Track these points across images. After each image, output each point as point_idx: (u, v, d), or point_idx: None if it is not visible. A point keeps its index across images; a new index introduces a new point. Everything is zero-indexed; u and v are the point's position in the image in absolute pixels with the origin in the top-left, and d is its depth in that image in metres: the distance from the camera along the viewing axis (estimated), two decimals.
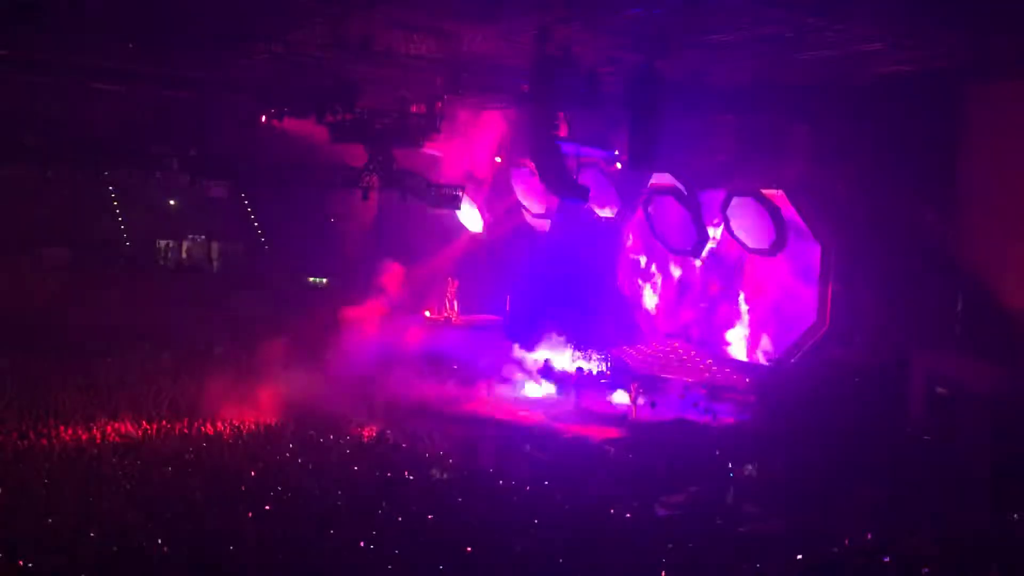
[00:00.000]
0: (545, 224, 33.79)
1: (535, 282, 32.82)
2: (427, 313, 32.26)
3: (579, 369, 30.99)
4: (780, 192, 28.32)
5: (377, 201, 32.83)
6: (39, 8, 19.56)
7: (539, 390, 29.43)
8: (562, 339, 32.44)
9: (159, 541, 15.18)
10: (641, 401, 27.29)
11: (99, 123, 28.31)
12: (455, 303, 32.56)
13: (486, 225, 33.68)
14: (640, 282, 34.02)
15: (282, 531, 16.13)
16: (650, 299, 33.73)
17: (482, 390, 29.23)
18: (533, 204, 33.28)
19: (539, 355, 31.74)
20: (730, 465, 23.38)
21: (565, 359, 31.74)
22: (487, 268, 33.93)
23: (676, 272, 33.08)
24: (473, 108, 30.30)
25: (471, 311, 33.40)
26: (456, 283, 32.54)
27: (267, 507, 17.48)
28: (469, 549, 15.53)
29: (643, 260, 33.94)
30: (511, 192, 33.51)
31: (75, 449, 20.79)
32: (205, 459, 20.52)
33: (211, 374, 28.27)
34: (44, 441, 21.05)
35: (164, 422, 23.20)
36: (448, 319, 32.08)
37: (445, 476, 20.79)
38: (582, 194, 25.56)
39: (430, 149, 30.03)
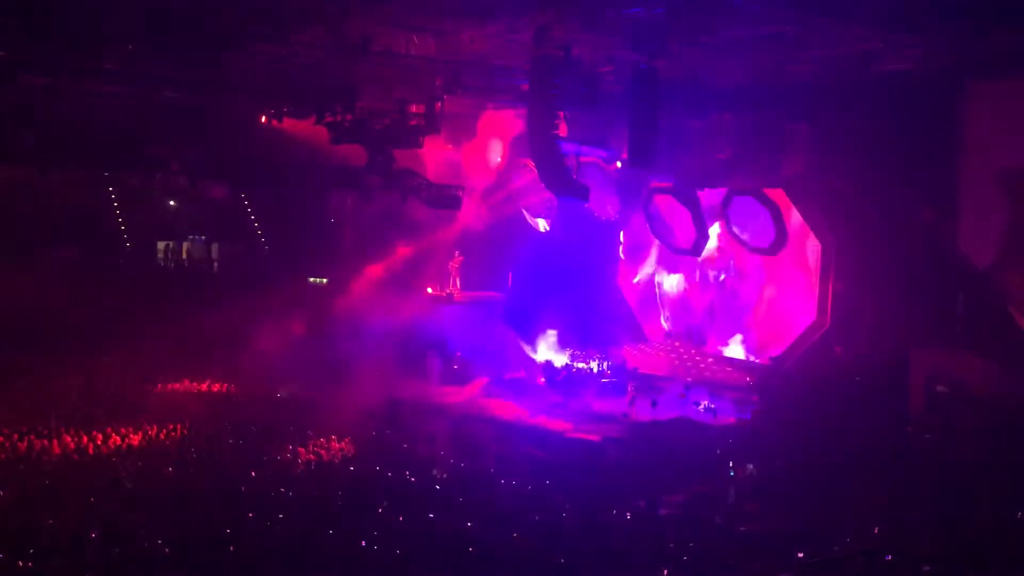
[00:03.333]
0: (545, 223, 33.75)
1: (535, 282, 32.74)
2: (429, 290, 32.09)
3: (568, 367, 30.93)
4: (780, 191, 28.34)
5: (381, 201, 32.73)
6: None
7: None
8: (562, 338, 32.41)
9: (160, 541, 15.18)
10: (640, 400, 27.28)
11: (99, 124, 28.25)
12: (457, 279, 32.36)
13: (482, 215, 33.48)
14: (640, 281, 34.02)
15: (283, 530, 16.15)
16: (649, 298, 33.73)
17: (482, 387, 29.25)
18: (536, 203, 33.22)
19: (540, 355, 31.74)
20: (731, 464, 23.38)
21: (564, 358, 31.72)
22: (488, 247, 33.73)
23: (676, 271, 33.09)
24: (473, 108, 30.25)
25: (473, 287, 33.16)
26: (460, 259, 32.37)
27: (268, 506, 17.49)
28: (470, 548, 15.55)
29: (643, 259, 33.94)
30: (510, 182, 33.30)
31: (76, 450, 20.80)
32: (206, 460, 20.52)
33: (212, 374, 28.42)
34: (45, 442, 21.05)
35: (169, 424, 23.15)
36: (450, 295, 31.91)
37: (445, 476, 20.81)
38: (582, 194, 25.57)
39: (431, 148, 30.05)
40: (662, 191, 30.75)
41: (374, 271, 31.68)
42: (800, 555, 15.98)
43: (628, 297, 34.18)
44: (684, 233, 30.70)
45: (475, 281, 33.35)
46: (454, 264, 32.30)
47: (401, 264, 31.82)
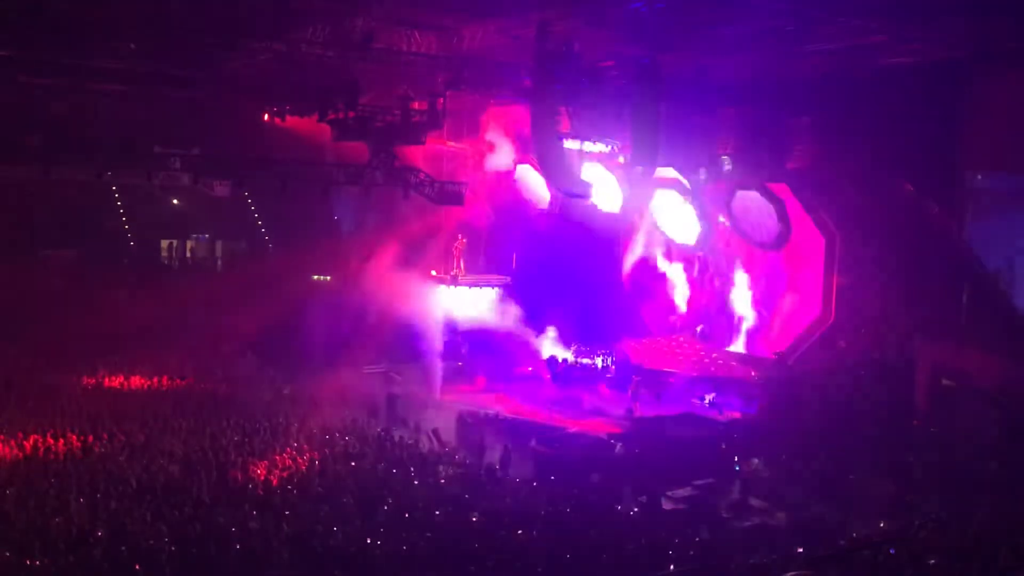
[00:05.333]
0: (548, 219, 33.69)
1: (538, 276, 32.69)
2: (433, 272, 32.06)
3: (573, 362, 30.78)
4: (784, 185, 28.28)
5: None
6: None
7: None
8: (566, 333, 32.35)
9: (166, 540, 15.19)
10: (645, 395, 27.27)
11: (102, 124, 28.32)
12: (461, 262, 32.28)
13: (485, 210, 33.44)
14: (644, 276, 33.96)
15: (288, 528, 16.15)
16: (654, 293, 33.68)
17: (486, 383, 29.27)
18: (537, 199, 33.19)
19: (545, 350, 31.71)
20: (736, 459, 23.39)
21: (568, 354, 31.69)
22: (491, 236, 33.64)
23: (680, 266, 33.03)
24: (475, 104, 30.23)
25: (477, 270, 33.06)
26: (464, 241, 32.32)
27: (273, 505, 17.49)
28: (476, 545, 15.56)
29: (647, 254, 33.88)
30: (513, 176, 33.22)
31: (81, 448, 20.81)
32: (211, 458, 20.51)
33: (215, 373, 28.42)
34: (50, 440, 21.07)
35: (174, 423, 23.14)
36: (454, 277, 31.85)
37: (451, 471, 20.82)
38: (585, 189, 25.56)
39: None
40: (665, 186, 30.71)
41: (377, 267, 31.59)
42: (805, 549, 15.99)
43: (632, 292, 34.14)
44: (688, 228, 30.68)
45: (479, 264, 33.23)
46: (458, 247, 32.22)
47: (404, 257, 31.65)
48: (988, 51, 21.64)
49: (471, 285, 31.15)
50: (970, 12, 19.19)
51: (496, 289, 31.61)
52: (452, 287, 30.66)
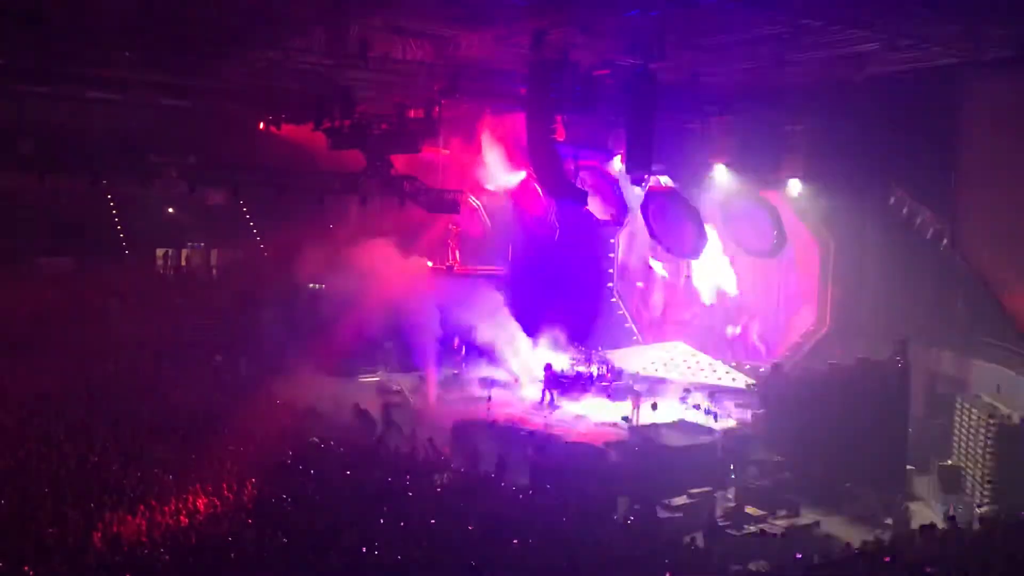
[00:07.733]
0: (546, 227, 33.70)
1: (534, 284, 32.69)
2: (428, 263, 31.96)
3: (569, 370, 30.70)
4: (778, 193, 28.36)
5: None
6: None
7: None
8: (561, 341, 32.34)
9: (161, 549, 15.14)
10: (641, 403, 27.25)
11: (97, 132, 28.29)
12: (456, 251, 32.12)
13: (482, 219, 33.40)
14: (640, 284, 34.01)
15: (284, 538, 16.11)
16: (650, 301, 33.73)
17: (482, 389, 29.23)
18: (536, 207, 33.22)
19: (540, 358, 31.68)
20: (732, 466, 23.42)
21: (564, 361, 31.66)
22: (487, 238, 33.60)
23: (675, 273, 33.11)
24: (471, 112, 30.27)
25: (472, 260, 32.93)
26: (458, 229, 32.13)
27: (269, 513, 17.44)
28: (472, 554, 15.51)
29: (642, 262, 33.94)
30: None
31: (77, 459, 20.73)
32: (206, 467, 20.45)
33: (211, 382, 28.36)
34: (44, 451, 20.99)
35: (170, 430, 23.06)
36: (450, 267, 31.67)
37: (446, 477, 20.79)
38: (580, 197, 25.61)
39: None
40: (660, 194, 30.75)
41: (373, 271, 31.58)
42: (802, 557, 16.00)
43: (628, 300, 34.17)
44: (683, 236, 30.70)
45: (475, 256, 33.19)
46: (453, 232, 32.10)
47: (400, 256, 31.58)
48: (981, 58, 21.70)
49: (467, 275, 31.06)
50: (963, 19, 19.27)
51: (493, 286, 31.59)
52: (448, 278, 30.58)
